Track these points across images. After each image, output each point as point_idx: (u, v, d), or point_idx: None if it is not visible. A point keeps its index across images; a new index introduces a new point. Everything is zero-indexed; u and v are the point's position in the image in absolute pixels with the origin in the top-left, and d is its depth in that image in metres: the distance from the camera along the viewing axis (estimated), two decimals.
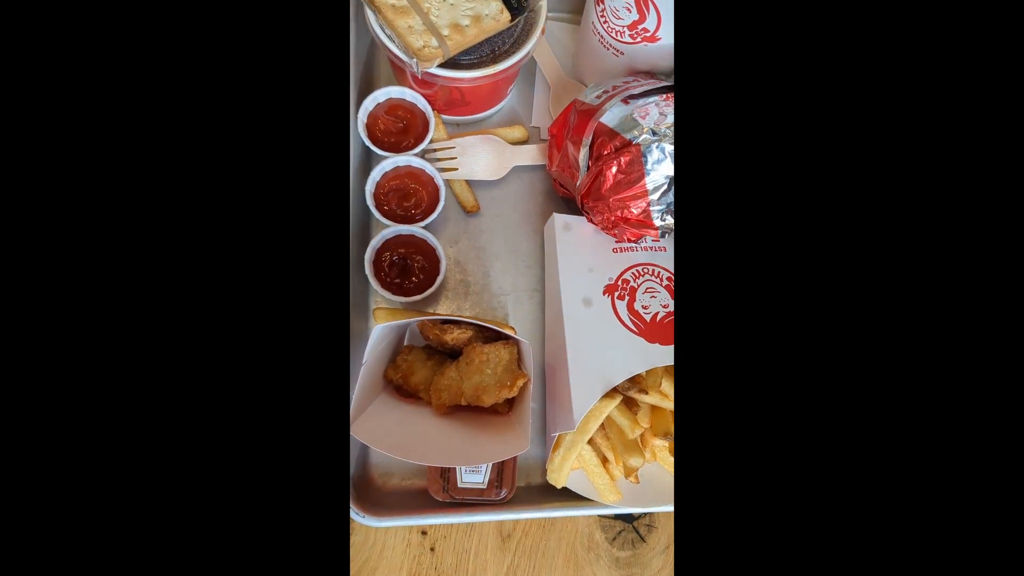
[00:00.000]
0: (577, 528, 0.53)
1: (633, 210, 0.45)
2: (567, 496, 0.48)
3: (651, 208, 0.45)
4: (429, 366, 0.49)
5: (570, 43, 0.63)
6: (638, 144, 0.43)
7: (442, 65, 0.46)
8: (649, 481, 0.49)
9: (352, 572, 0.51)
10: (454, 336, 0.46)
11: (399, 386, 0.48)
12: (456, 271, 0.57)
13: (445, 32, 0.45)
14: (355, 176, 0.54)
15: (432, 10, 0.45)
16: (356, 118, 0.54)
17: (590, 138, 0.46)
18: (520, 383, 0.43)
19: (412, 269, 0.52)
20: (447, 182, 0.56)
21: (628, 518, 0.54)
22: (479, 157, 0.57)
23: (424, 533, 0.52)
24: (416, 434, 0.44)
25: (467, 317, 0.50)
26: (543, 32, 0.50)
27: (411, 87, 0.54)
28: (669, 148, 0.43)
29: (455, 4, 0.46)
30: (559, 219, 0.53)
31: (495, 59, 0.49)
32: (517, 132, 0.59)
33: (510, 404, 0.46)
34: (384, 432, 0.42)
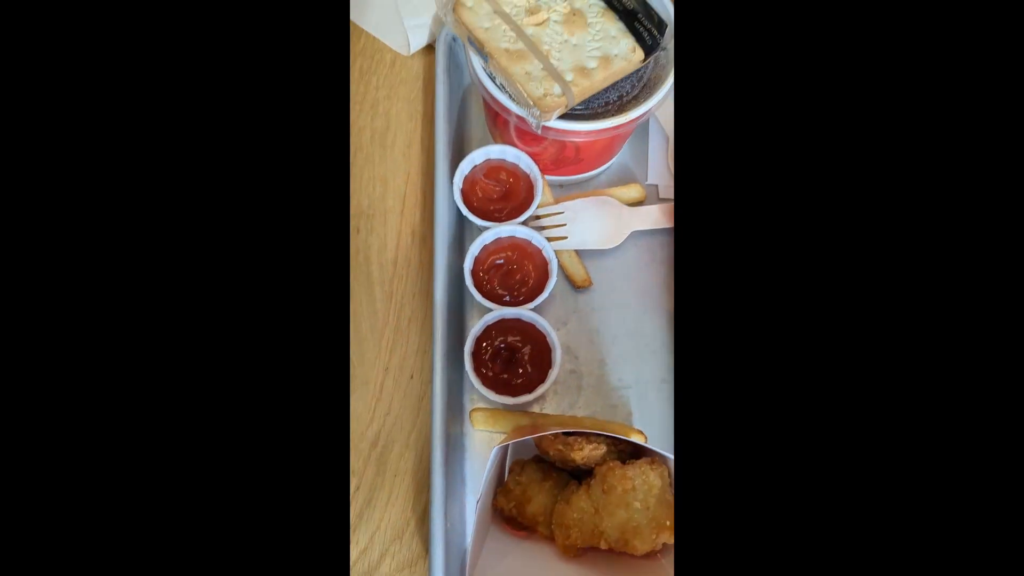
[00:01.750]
0: None
1: None
2: None
3: None
4: (547, 488, 0.39)
5: None
6: None
7: (561, 117, 0.38)
8: None
9: None
10: (584, 454, 0.36)
11: (511, 516, 0.38)
12: (566, 359, 0.47)
13: (569, 77, 0.37)
14: (448, 251, 0.45)
15: (552, 52, 0.37)
16: (452, 184, 0.46)
17: None
18: None
19: (519, 361, 0.43)
20: (556, 253, 0.46)
21: None
22: (592, 223, 0.48)
23: None
24: None
25: (594, 427, 0.40)
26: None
27: (513, 144, 0.46)
28: None
29: (578, 45, 0.38)
30: None
31: (622, 107, 0.40)
32: (634, 192, 0.50)
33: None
34: None
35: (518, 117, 0.39)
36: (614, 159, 0.51)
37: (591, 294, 0.49)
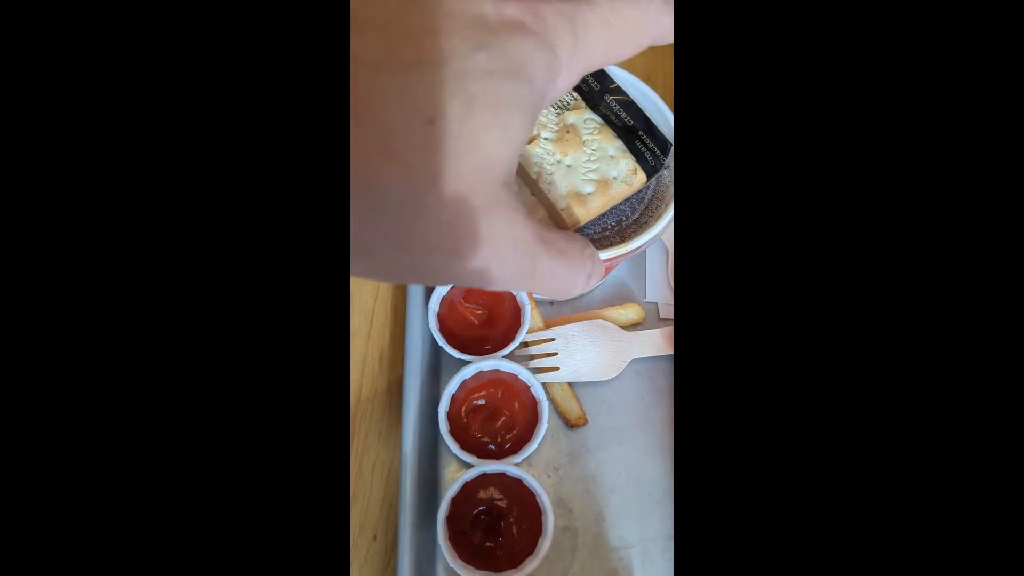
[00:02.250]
0: None
1: None
2: None
3: None
4: None
5: None
6: None
7: None
8: None
9: None
10: None
11: None
12: (559, 514, 0.40)
13: (562, 205, 0.32)
14: (421, 388, 0.39)
15: (543, 175, 0.32)
16: (427, 308, 0.40)
17: None
18: None
19: (503, 529, 0.36)
20: (546, 388, 0.40)
21: None
22: (587, 351, 0.42)
23: None
24: None
25: None
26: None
27: None
28: None
29: (573, 166, 0.33)
30: None
31: (623, 233, 0.35)
32: (632, 313, 0.44)
33: None
34: None
35: None
36: (609, 275, 0.46)
37: (586, 432, 0.42)
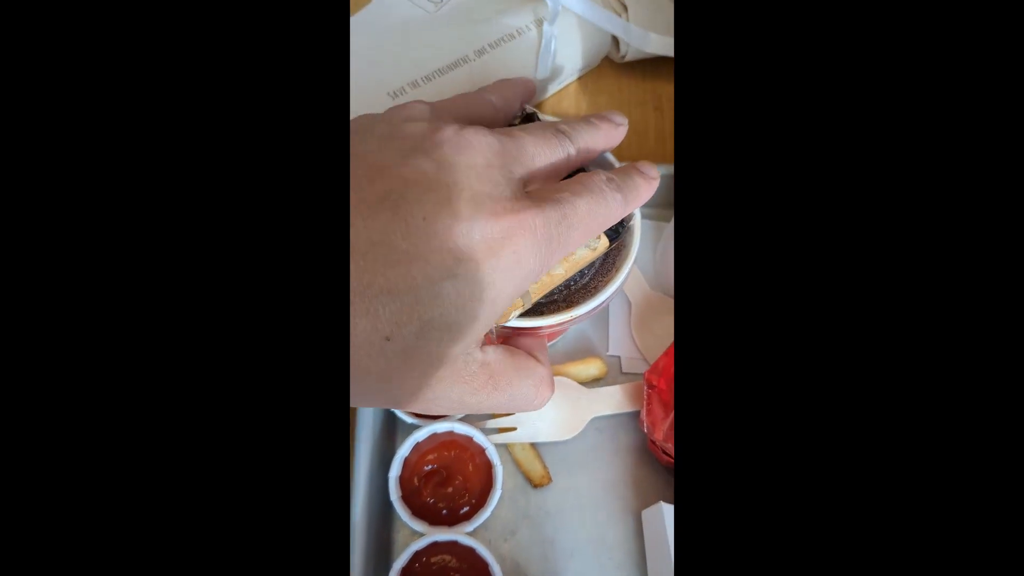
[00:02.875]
0: None
1: None
2: None
3: None
4: None
5: (652, 244, 0.49)
6: None
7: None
8: None
9: None
10: None
11: None
12: None
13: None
14: (372, 455, 0.38)
15: None
16: None
17: None
18: None
19: None
20: (508, 448, 0.39)
21: None
22: (546, 410, 0.41)
23: None
24: None
25: None
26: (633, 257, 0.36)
27: None
28: None
29: None
30: (669, 511, 0.36)
31: (569, 300, 0.35)
32: (593, 368, 0.43)
33: None
34: None
35: None
36: (571, 328, 0.45)
37: (544, 494, 0.41)
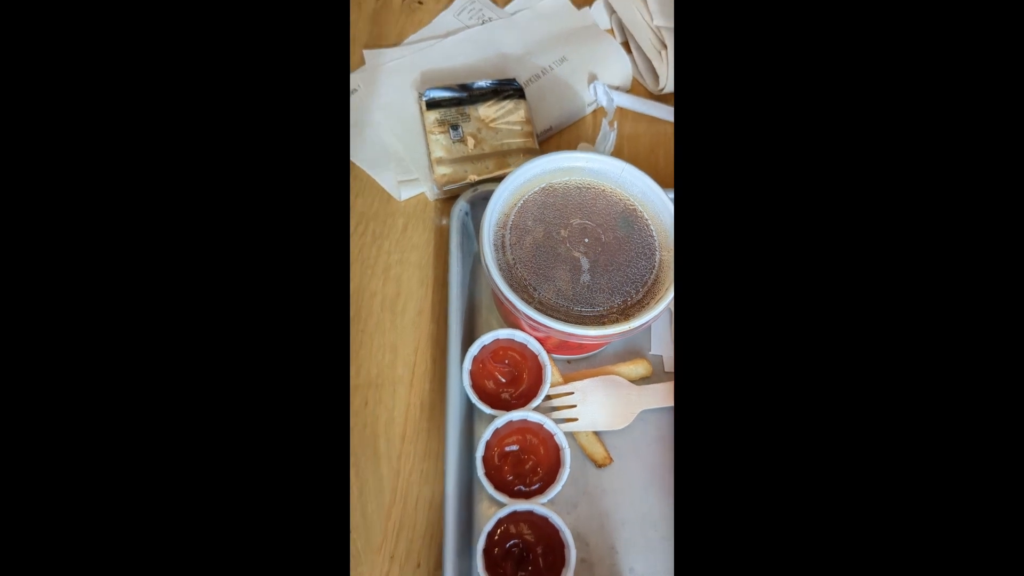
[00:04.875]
0: None
1: None
2: None
3: None
4: None
5: None
6: None
7: (567, 321, 0.40)
8: None
9: None
10: None
11: None
12: (577, 547, 0.46)
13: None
14: (459, 438, 0.45)
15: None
16: (461, 367, 0.47)
17: None
18: None
19: (531, 560, 0.42)
20: (573, 435, 0.47)
21: None
22: (602, 405, 0.48)
23: None
24: None
25: None
26: None
27: (522, 330, 0.47)
28: None
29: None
30: None
31: (626, 311, 0.42)
32: (640, 368, 0.51)
33: None
34: None
35: (525, 315, 0.41)
36: None
37: (601, 474, 0.48)
